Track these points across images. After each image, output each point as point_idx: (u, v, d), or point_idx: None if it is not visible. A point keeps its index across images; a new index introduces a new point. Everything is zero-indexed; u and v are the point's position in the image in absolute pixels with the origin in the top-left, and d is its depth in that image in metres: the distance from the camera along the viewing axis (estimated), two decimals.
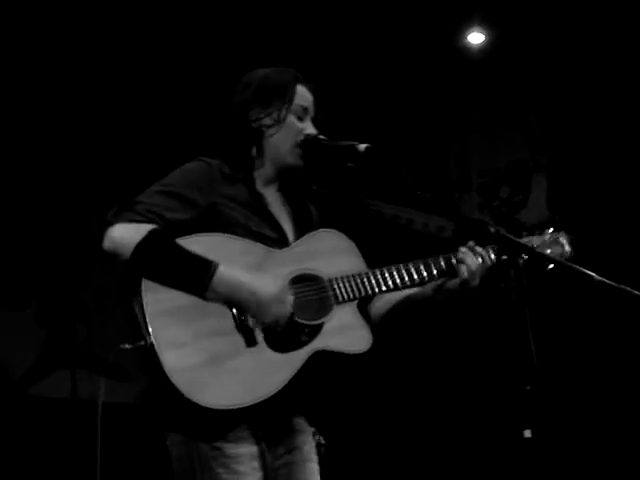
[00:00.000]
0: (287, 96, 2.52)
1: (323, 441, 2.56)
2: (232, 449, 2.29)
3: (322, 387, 2.48)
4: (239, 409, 2.24)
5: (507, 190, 5.66)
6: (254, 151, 2.53)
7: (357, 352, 2.39)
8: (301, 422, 2.50)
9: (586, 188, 5.12)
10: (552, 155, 5.42)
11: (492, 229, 2.33)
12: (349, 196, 2.77)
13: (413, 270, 2.50)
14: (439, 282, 2.53)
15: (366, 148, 2.43)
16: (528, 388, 2.14)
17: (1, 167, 5.26)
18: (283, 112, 2.50)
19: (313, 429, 2.53)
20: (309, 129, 2.54)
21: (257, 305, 2.29)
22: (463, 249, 2.52)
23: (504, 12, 5.28)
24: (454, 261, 2.51)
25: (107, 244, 2.28)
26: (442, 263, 2.52)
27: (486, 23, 5.34)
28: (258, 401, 2.25)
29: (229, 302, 2.30)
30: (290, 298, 2.33)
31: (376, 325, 2.57)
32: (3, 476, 4.67)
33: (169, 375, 2.20)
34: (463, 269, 2.48)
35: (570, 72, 5.18)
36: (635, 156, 4.90)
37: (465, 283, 2.48)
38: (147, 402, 2.36)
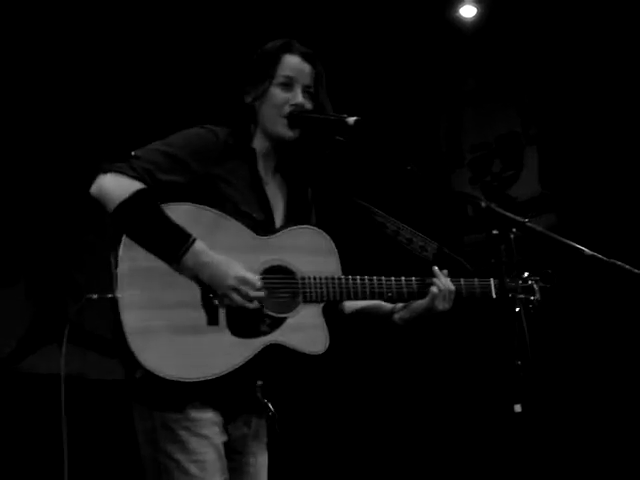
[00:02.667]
0: (269, 70, 2.53)
1: (275, 414, 2.58)
2: (194, 413, 2.32)
3: (280, 372, 2.51)
4: (190, 383, 2.28)
5: (499, 164, 5.64)
6: (252, 127, 2.55)
7: (312, 353, 2.43)
8: (256, 397, 2.53)
9: (578, 163, 5.11)
10: (544, 129, 5.40)
11: (483, 204, 2.33)
12: (346, 195, 2.77)
13: (384, 286, 2.54)
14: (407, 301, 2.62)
15: (355, 121, 2.42)
16: (519, 363, 2.13)
17: None
18: (265, 85, 2.52)
19: (265, 401, 2.56)
20: (295, 98, 2.52)
21: (218, 287, 2.31)
22: (436, 274, 2.60)
23: None
24: (426, 283, 2.59)
25: (94, 190, 2.34)
26: (414, 285, 2.59)
27: None
28: (205, 379, 2.29)
29: (197, 278, 2.32)
30: (253, 289, 2.33)
31: (346, 320, 2.67)
32: None
33: (125, 334, 2.23)
34: (433, 292, 2.56)
35: (563, 45, 5.15)
36: (627, 132, 4.88)
37: (431, 306, 2.57)
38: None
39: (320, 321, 2.46)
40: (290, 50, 2.56)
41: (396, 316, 2.63)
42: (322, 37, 5.17)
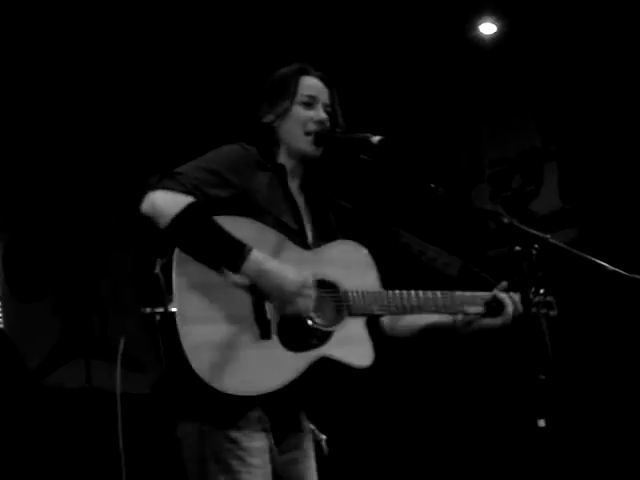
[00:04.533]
0: (290, 89, 2.58)
1: (323, 436, 2.58)
2: (246, 442, 2.31)
3: (326, 390, 2.52)
4: (246, 399, 2.27)
5: (519, 180, 5.65)
6: (274, 147, 2.59)
7: (359, 366, 2.43)
8: (303, 419, 2.54)
9: (598, 178, 5.10)
10: (564, 144, 5.40)
11: (505, 220, 2.34)
12: (369, 214, 2.80)
13: (429, 299, 2.55)
14: (471, 318, 2.61)
15: (379, 140, 2.45)
16: (542, 377, 2.14)
17: (17, 160, 5.30)
18: (287, 104, 2.56)
19: (312, 426, 2.57)
20: (318, 115, 2.57)
21: (281, 294, 2.32)
22: (506, 295, 2.60)
23: (516, 2, 5.26)
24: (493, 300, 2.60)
25: (146, 208, 2.32)
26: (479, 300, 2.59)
27: (498, 14, 5.33)
28: (262, 393, 2.28)
29: (255, 286, 2.32)
30: (314, 293, 2.35)
31: (390, 339, 2.66)
32: (20, 466, 4.71)
33: (184, 348, 2.21)
34: (508, 312, 2.58)
35: (582, 61, 5.16)
36: None
37: (506, 324, 2.59)
38: (160, 391, 2.37)
39: (365, 334, 2.46)
40: (307, 72, 2.63)
41: (462, 331, 2.63)
42: (343, 56, 5.23)
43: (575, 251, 2.37)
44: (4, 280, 5.27)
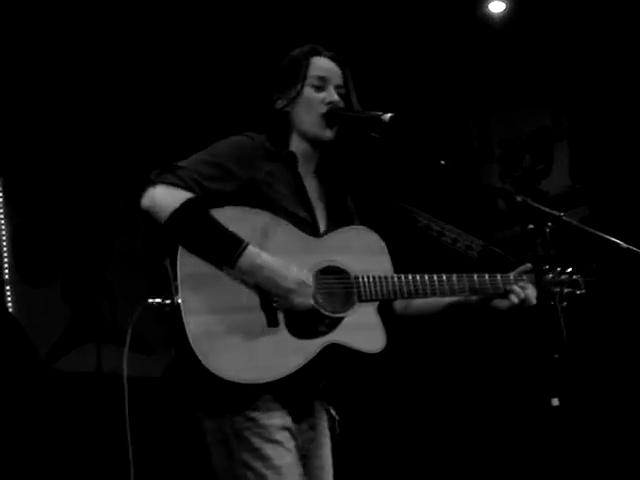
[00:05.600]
0: (300, 72, 2.56)
1: (337, 416, 2.59)
2: (265, 420, 2.32)
3: (339, 374, 2.52)
4: (254, 386, 2.28)
5: (529, 159, 5.62)
6: (287, 132, 2.57)
7: (370, 351, 2.42)
8: (316, 402, 2.55)
9: (609, 156, 5.07)
10: (574, 123, 5.37)
11: (519, 198, 2.32)
12: (386, 198, 2.78)
13: (445, 282, 2.54)
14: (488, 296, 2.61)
15: (391, 118, 2.43)
16: (556, 356, 2.13)
17: (26, 146, 5.30)
18: (298, 87, 2.54)
19: (327, 407, 2.58)
20: (330, 97, 2.55)
21: (276, 290, 2.32)
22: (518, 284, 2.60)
23: None
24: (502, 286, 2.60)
25: (145, 203, 2.34)
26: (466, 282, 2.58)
27: None
28: (270, 380, 2.29)
29: (252, 282, 2.32)
30: (310, 290, 2.35)
31: (404, 319, 2.67)
32: (31, 450, 4.73)
33: (189, 339, 2.22)
34: (512, 300, 2.58)
35: (593, 38, 5.12)
36: None
37: (519, 307, 2.59)
38: (172, 377, 2.37)
39: (376, 320, 2.45)
40: (318, 53, 2.61)
41: (475, 310, 2.65)
42: (353, 36, 5.20)
43: (590, 229, 2.35)
44: (14, 265, 5.29)
